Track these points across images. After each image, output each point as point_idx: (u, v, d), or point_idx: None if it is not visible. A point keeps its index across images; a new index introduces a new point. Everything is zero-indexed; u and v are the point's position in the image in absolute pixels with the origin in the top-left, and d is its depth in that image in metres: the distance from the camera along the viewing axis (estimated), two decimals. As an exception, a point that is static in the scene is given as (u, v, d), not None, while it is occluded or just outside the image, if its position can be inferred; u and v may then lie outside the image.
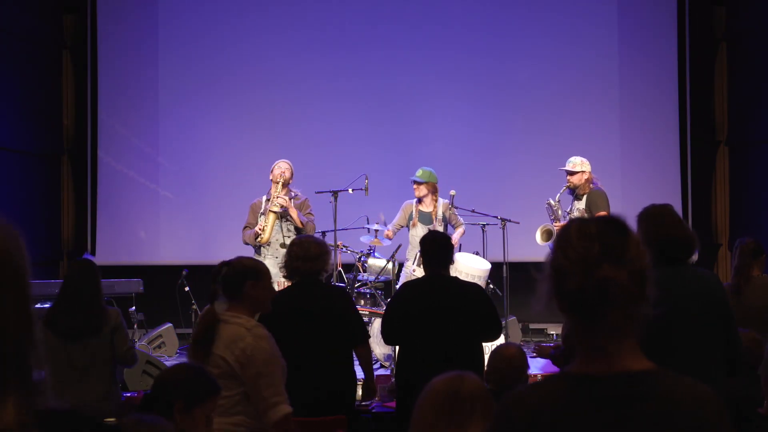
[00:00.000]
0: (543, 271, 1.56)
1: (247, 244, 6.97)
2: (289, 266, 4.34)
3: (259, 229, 6.77)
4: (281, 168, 6.94)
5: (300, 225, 6.83)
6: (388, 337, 4.62)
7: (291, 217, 6.82)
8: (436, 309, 4.38)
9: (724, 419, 1.49)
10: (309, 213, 6.97)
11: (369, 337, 4.51)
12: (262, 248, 6.86)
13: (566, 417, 1.47)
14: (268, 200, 6.91)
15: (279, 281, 6.69)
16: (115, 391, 4.56)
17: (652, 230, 3.28)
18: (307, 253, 4.29)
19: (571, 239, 1.51)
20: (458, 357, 4.29)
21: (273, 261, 6.76)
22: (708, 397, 1.49)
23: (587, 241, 1.49)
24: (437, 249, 4.54)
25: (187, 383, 2.65)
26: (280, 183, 6.84)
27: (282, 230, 6.85)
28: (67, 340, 4.40)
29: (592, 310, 1.48)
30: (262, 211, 6.90)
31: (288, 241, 6.74)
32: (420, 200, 7.24)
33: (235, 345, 3.30)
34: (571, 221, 1.57)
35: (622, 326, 1.49)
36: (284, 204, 6.77)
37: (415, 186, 7.21)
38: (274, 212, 6.76)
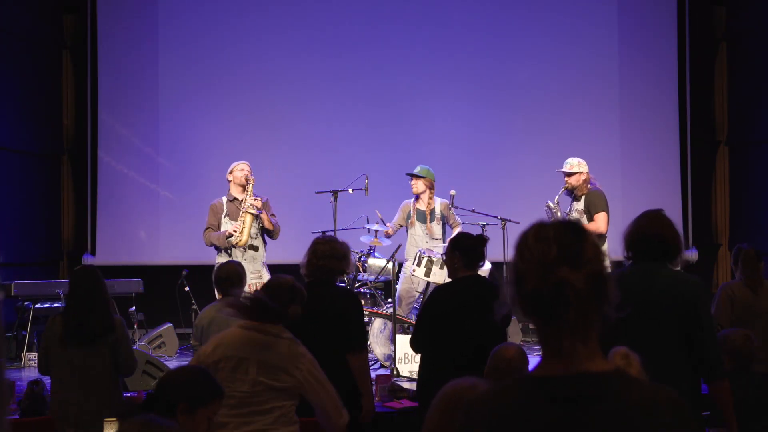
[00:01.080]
0: (506, 275, 1.58)
1: (211, 245, 6.81)
2: (315, 264, 4.25)
3: (234, 231, 6.64)
4: (244, 170, 6.82)
5: (271, 227, 6.75)
6: (418, 345, 4.46)
7: (262, 219, 6.74)
8: (473, 307, 4.33)
9: (688, 423, 1.49)
10: (272, 214, 6.87)
11: (365, 348, 4.33)
12: (233, 249, 6.72)
13: (520, 417, 1.48)
14: (230, 201, 6.80)
15: (249, 284, 6.65)
16: (118, 397, 4.50)
17: (631, 229, 3.38)
18: (334, 252, 4.25)
19: (528, 242, 1.53)
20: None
21: (242, 263, 6.65)
22: (671, 400, 1.49)
23: (544, 243, 1.51)
24: (476, 246, 4.49)
25: (191, 385, 2.67)
26: (251, 185, 6.75)
27: (249, 232, 6.76)
28: (75, 346, 4.37)
29: (550, 311, 1.49)
30: (225, 212, 6.79)
31: (255, 243, 6.75)
32: (417, 198, 7.24)
33: (299, 362, 3.42)
34: (528, 227, 1.58)
35: (580, 328, 1.49)
36: (259, 206, 6.69)
37: (413, 180, 7.20)
38: (252, 214, 6.67)
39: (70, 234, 9.79)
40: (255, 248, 6.75)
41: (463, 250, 4.49)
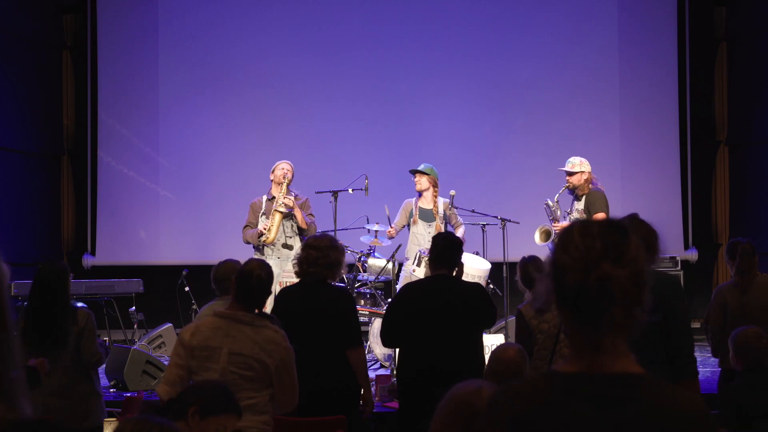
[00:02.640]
0: (543, 269, 1.60)
1: (248, 243, 6.98)
2: (305, 270, 4.28)
3: (264, 229, 6.78)
4: (284, 169, 6.97)
5: (305, 226, 6.87)
6: (387, 339, 4.56)
7: (296, 217, 6.86)
8: (435, 308, 4.38)
9: (709, 428, 1.53)
10: (310, 214, 7.05)
11: (362, 343, 4.37)
12: (265, 248, 6.88)
13: (555, 414, 1.49)
14: (269, 200, 6.94)
15: (281, 281, 6.78)
16: (87, 391, 4.42)
17: None
18: (327, 261, 4.25)
19: (573, 237, 1.54)
20: (455, 358, 4.30)
21: (276, 261, 6.86)
22: (697, 406, 1.53)
23: (589, 239, 1.53)
24: (446, 248, 4.53)
25: (208, 393, 2.74)
26: (285, 184, 6.87)
27: (284, 231, 6.91)
28: (35, 351, 4.33)
29: (592, 305, 1.50)
30: (263, 210, 6.92)
31: (290, 242, 6.88)
32: (420, 195, 7.24)
33: (273, 350, 3.47)
34: (573, 222, 1.61)
35: (619, 325, 1.51)
36: (290, 205, 6.80)
37: (416, 177, 7.20)
38: (281, 212, 6.78)
39: (70, 234, 9.79)
40: (289, 247, 6.88)
41: (433, 251, 4.56)
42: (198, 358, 3.43)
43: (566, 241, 1.55)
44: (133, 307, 8.21)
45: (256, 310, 3.62)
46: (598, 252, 1.51)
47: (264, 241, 6.78)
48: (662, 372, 3.22)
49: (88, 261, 9.40)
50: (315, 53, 9.52)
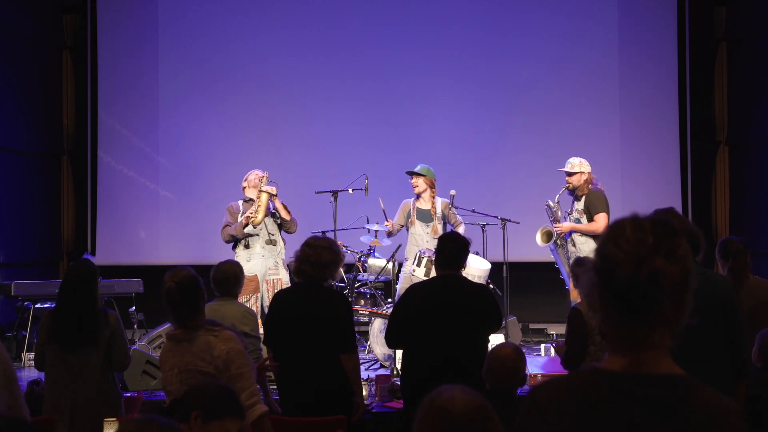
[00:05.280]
0: (586, 264, 1.59)
1: (229, 241, 6.95)
2: (297, 268, 4.28)
3: (250, 213, 6.79)
4: (257, 174, 7.01)
5: (287, 216, 6.89)
6: (393, 339, 4.51)
7: (277, 207, 6.88)
8: (445, 307, 4.36)
9: (744, 429, 1.53)
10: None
11: (355, 348, 4.31)
12: (250, 247, 6.86)
13: (600, 411, 1.48)
14: (246, 202, 6.98)
15: (268, 279, 6.83)
16: (112, 391, 4.48)
17: None
18: (318, 259, 4.22)
19: (625, 231, 1.53)
20: (464, 356, 4.29)
21: (260, 260, 6.86)
22: (734, 411, 1.52)
23: (641, 233, 1.52)
24: (455, 250, 4.50)
25: (211, 396, 2.72)
26: (265, 177, 6.91)
27: (267, 227, 6.92)
28: (69, 345, 4.35)
29: (643, 299, 1.49)
30: (242, 212, 6.94)
31: (273, 239, 6.91)
32: (418, 197, 7.23)
33: (207, 354, 3.39)
34: (624, 217, 1.58)
35: (669, 320, 1.50)
36: (274, 191, 6.87)
37: (413, 179, 7.19)
38: (268, 192, 6.81)
39: (70, 234, 9.79)
40: (273, 242, 6.93)
41: (437, 250, 4.52)
42: (167, 382, 3.50)
43: (617, 234, 1.53)
44: (133, 307, 8.21)
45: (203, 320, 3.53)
46: (650, 246, 1.50)
47: (252, 222, 6.78)
48: (721, 369, 3.20)
49: (88, 261, 9.40)
50: (315, 53, 9.52)
